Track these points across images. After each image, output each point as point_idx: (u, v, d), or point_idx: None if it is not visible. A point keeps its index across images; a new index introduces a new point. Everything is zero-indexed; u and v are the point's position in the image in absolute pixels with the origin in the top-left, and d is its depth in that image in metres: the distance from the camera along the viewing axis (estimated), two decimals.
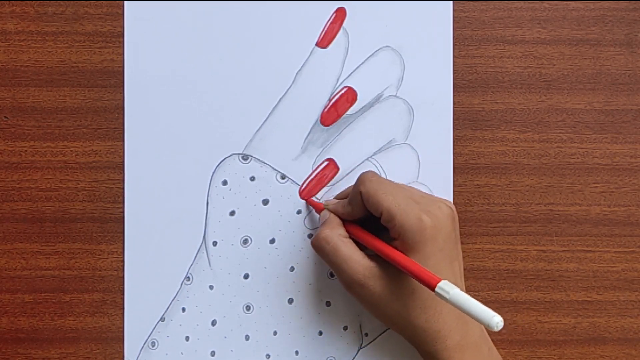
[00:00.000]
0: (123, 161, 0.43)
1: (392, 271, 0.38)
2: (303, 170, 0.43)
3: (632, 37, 0.44)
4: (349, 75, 0.43)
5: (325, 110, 0.43)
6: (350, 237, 0.40)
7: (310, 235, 0.43)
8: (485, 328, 0.35)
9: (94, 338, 0.43)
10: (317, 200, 0.43)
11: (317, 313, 0.44)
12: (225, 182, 0.43)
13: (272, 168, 0.43)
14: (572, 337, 0.44)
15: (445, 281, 0.34)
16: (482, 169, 0.44)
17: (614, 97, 0.44)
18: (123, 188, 0.43)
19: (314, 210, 0.43)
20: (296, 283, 0.43)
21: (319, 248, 0.39)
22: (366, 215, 0.40)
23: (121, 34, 0.43)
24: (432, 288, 0.35)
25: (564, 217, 0.44)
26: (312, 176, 0.43)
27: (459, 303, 0.33)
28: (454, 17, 0.44)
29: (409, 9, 0.43)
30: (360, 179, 0.39)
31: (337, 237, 0.39)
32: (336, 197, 0.43)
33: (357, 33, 0.43)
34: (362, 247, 0.40)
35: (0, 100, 0.43)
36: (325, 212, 0.41)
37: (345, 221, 0.41)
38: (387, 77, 0.43)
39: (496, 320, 0.32)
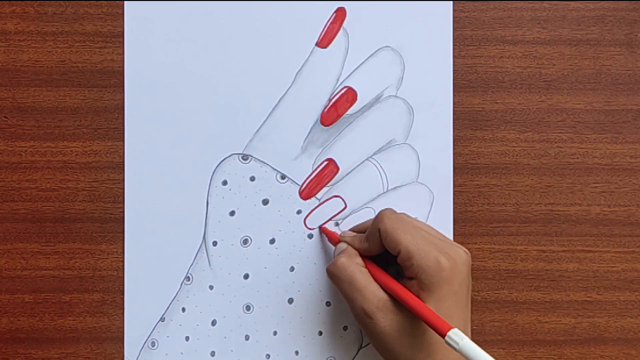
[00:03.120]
0: (123, 161, 0.43)
1: (405, 308, 0.37)
2: (303, 170, 0.43)
3: (632, 37, 0.44)
4: (349, 75, 0.43)
5: (325, 110, 0.43)
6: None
7: (310, 236, 0.43)
8: None
9: (94, 338, 0.43)
10: (333, 231, 0.43)
11: (317, 313, 0.44)
12: (225, 182, 0.43)
13: (272, 168, 0.43)
14: (572, 337, 0.44)
15: (456, 329, 0.34)
16: (482, 169, 0.44)
17: (614, 97, 0.44)
18: (123, 188, 0.43)
19: (325, 237, 0.43)
20: (296, 283, 0.43)
21: (335, 275, 0.39)
22: (381, 251, 0.39)
23: (121, 34, 0.43)
24: (443, 335, 0.34)
25: (564, 217, 0.44)
26: (312, 176, 0.43)
27: (468, 354, 0.33)
28: (454, 17, 0.44)
29: (409, 9, 0.43)
30: (380, 216, 0.39)
31: (355, 265, 0.39)
32: (352, 230, 0.43)
33: (357, 33, 0.43)
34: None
35: (0, 100, 0.43)
36: (342, 244, 0.41)
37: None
38: (387, 77, 0.43)
39: None
